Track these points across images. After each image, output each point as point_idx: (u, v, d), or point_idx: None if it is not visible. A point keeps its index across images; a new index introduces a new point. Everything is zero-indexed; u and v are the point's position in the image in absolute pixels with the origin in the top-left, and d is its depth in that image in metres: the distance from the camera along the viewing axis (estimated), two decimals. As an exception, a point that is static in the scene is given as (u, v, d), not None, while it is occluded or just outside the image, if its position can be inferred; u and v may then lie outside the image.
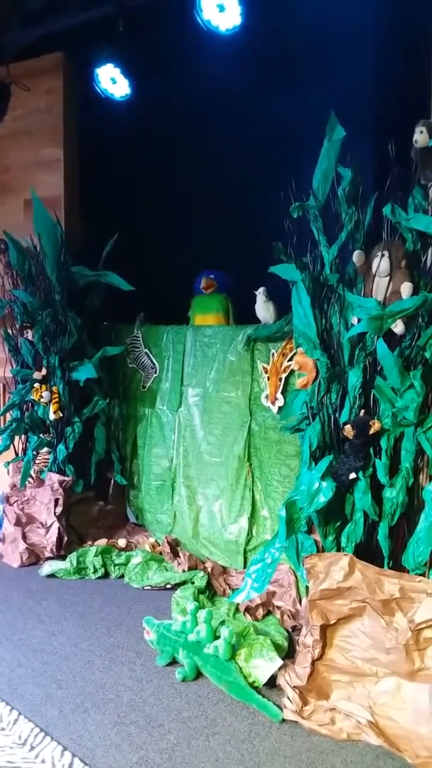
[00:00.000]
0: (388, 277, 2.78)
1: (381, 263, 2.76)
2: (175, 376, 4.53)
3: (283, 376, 3.78)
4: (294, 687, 2.76)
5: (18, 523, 4.47)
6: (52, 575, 4.10)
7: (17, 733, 2.56)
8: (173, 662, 3.08)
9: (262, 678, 2.85)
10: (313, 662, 2.78)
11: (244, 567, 3.98)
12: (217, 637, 3.03)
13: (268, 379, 3.88)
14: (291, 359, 3.72)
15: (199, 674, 2.97)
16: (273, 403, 3.85)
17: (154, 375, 4.66)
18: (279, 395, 3.80)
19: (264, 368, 3.93)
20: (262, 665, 2.89)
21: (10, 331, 4.80)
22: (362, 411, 2.87)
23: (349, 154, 2.92)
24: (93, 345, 4.61)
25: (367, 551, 2.86)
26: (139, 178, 5.07)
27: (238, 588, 3.49)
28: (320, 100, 3.13)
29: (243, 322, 4.26)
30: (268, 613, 3.51)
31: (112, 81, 4.27)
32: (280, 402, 3.80)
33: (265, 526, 3.97)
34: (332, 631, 2.81)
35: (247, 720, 2.68)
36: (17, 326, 4.75)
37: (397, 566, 2.80)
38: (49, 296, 4.50)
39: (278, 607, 3.52)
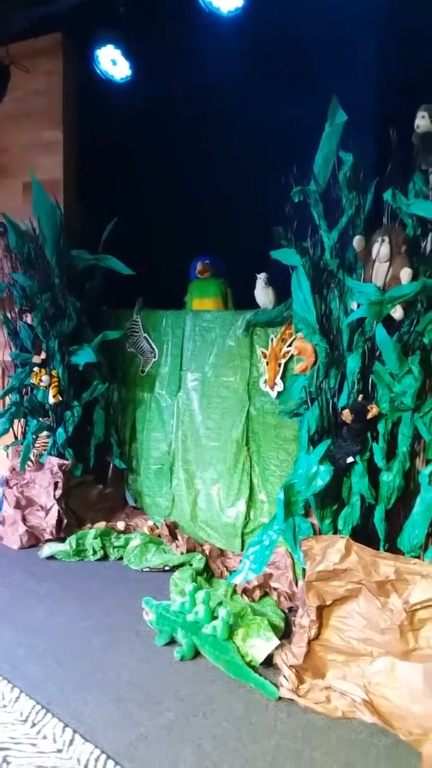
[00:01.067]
0: (387, 263, 2.79)
1: (381, 248, 2.77)
2: (174, 360, 4.55)
3: (282, 361, 3.80)
4: (290, 666, 2.81)
5: (18, 505, 4.51)
6: (51, 557, 4.14)
7: (19, 710, 2.61)
8: (172, 642, 3.12)
9: (259, 657, 2.90)
10: (309, 642, 2.83)
11: (242, 550, 4.03)
12: (215, 618, 3.08)
13: (267, 364, 3.90)
14: (290, 344, 3.74)
15: (197, 653, 3.02)
16: (272, 388, 3.87)
17: (153, 360, 4.68)
18: (278, 380, 3.83)
19: (263, 353, 3.94)
20: (259, 645, 2.94)
21: (9, 314, 4.81)
22: (360, 396, 2.90)
23: (350, 139, 2.91)
24: (92, 329, 4.62)
25: (363, 534, 2.90)
26: (139, 162, 5.04)
27: (236, 570, 3.55)
28: (322, 84, 3.12)
29: (241, 307, 4.28)
30: (265, 594, 3.56)
31: (113, 62, 4.24)
32: (279, 387, 3.82)
33: (263, 509, 4.02)
34: (328, 611, 2.85)
35: (244, 698, 2.73)
36: (16, 310, 4.76)
37: (393, 549, 2.84)
38: (49, 280, 4.49)
39: (275, 589, 3.57)
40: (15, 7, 4.36)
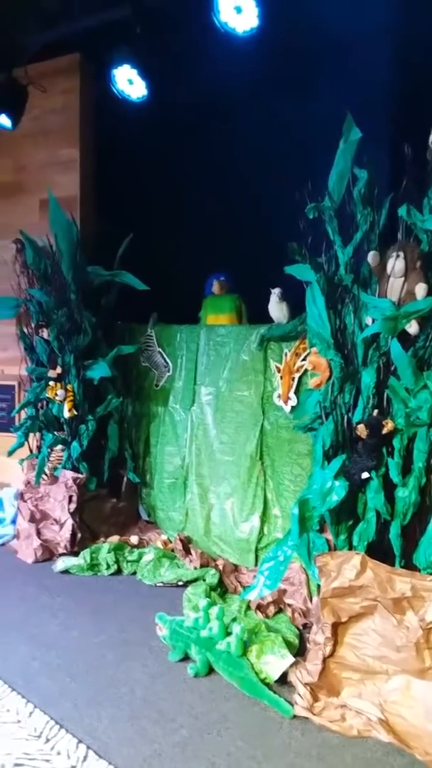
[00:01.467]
0: (402, 278, 2.79)
1: (396, 264, 2.78)
2: (188, 374, 4.56)
3: (296, 375, 3.81)
4: (305, 684, 2.79)
5: (32, 519, 4.52)
6: (65, 571, 4.14)
7: (33, 726, 2.60)
8: (185, 658, 3.11)
9: (274, 674, 2.88)
10: (324, 659, 2.81)
11: (256, 565, 4.01)
12: (228, 634, 3.06)
13: (281, 378, 3.90)
14: (304, 359, 3.75)
15: (211, 670, 3.01)
16: (286, 402, 3.87)
17: (168, 374, 4.70)
18: (292, 394, 3.83)
19: (277, 367, 3.95)
20: (273, 662, 2.92)
21: (25, 329, 4.85)
22: (375, 411, 2.89)
23: (365, 156, 2.93)
24: (107, 344, 4.66)
25: (378, 550, 2.88)
26: (153, 178, 5.10)
27: (250, 585, 3.53)
28: (336, 102, 3.14)
29: (253, 321, 4.28)
30: (279, 610, 3.54)
31: (129, 82, 4.29)
32: (293, 401, 3.82)
33: (277, 524, 4.00)
34: (343, 629, 2.83)
35: (259, 715, 2.71)
36: (33, 325, 4.80)
37: (409, 565, 2.82)
38: (65, 295, 4.54)
39: (289, 605, 3.55)
40: (33, 29, 4.45)
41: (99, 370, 4.47)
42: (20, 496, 4.70)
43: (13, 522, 4.79)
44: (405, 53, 3.74)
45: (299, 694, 2.77)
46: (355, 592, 2.75)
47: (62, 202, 4.58)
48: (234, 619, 3.27)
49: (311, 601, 3.47)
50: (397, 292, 2.81)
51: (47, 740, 2.51)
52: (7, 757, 2.39)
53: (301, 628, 3.37)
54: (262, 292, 3.97)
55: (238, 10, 3.52)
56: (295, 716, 2.69)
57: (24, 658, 3.13)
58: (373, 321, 2.88)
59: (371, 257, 2.87)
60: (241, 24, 3.56)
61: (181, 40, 4.16)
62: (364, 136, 2.95)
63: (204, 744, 2.52)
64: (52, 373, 4.57)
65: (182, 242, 4.92)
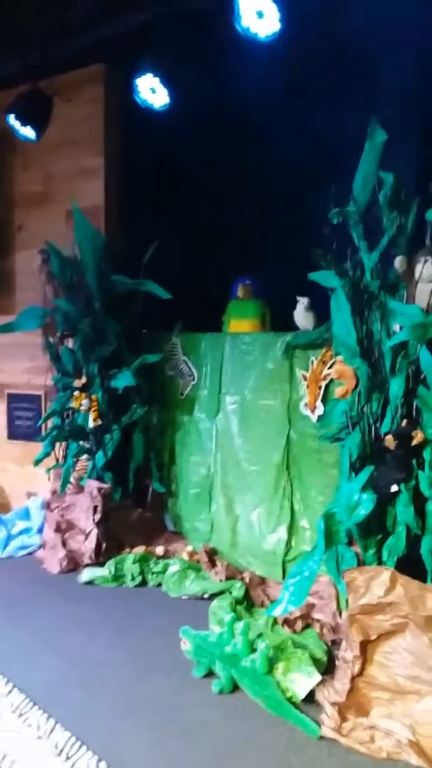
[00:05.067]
0: (431, 283, 2.70)
1: (425, 269, 2.70)
2: (213, 383, 4.51)
3: (323, 383, 3.73)
4: (333, 703, 2.70)
5: (58, 529, 4.51)
6: (90, 582, 4.12)
7: (54, 742, 2.56)
8: (210, 673, 3.04)
9: (300, 693, 2.79)
10: (352, 678, 2.71)
11: (283, 578, 3.92)
12: (254, 650, 2.99)
13: (308, 386, 3.83)
14: (331, 367, 3.67)
15: (236, 687, 2.93)
16: (313, 411, 3.79)
17: (192, 382, 4.65)
18: (318, 403, 3.75)
19: (303, 376, 3.87)
20: (300, 680, 2.84)
21: (51, 339, 4.87)
22: (404, 421, 2.80)
23: (390, 158, 2.86)
24: (132, 353, 4.63)
25: (408, 565, 2.78)
26: (178, 186, 5.08)
27: (276, 599, 3.45)
28: (361, 103, 3.08)
29: (277, 328, 4.21)
30: (308, 625, 3.44)
31: (152, 91, 4.28)
32: (320, 410, 3.74)
33: (305, 536, 3.91)
34: (373, 647, 2.73)
35: (284, 735, 2.63)
36: (58, 335, 4.81)
37: (441, 581, 2.71)
38: (90, 305, 4.54)
39: (318, 620, 3.45)
40: (58, 40, 4.47)
41: (123, 380, 4.45)
42: (47, 505, 4.70)
43: (40, 531, 4.79)
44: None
45: (326, 714, 2.68)
46: (385, 609, 2.66)
47: (87, 211, 4.58)
48: (259, 635, 3.20)
49: (341, 616, 3.37)
50: (426, 298, 2.73)
51: (68, 757, 2.47)
52: (27, 775, 2.36)
53: (330, 644, 3.27)
54: (285, 298, 3.91)
55: (260, 14, 3.47)
56: (322, 737, 2.60)
57: (47, 670, 3.10)
58: (401, 328, 2.79)
59: (399, 262, 2.80)
60: (263, 29, 3.51)
61: (204, 48, 4.13)
62: (389, 139, 2.88)
63: (228, 763, 2.45)
64: (77, 383, 4.57)
65: (207, 250, 4.88)
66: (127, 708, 2.80)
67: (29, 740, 2.58)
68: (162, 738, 2.60)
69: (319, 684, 2.81)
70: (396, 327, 2.86)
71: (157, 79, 4.20)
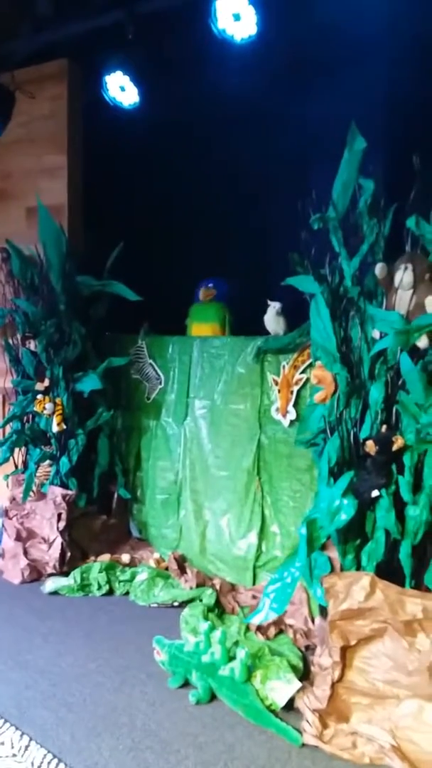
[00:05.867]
0: (411, 291, 2.73)
1: (405, 276, 2.72)
2: (181, 387, 4.45)
3: (295, 388, 3.73)
4: (313, 710, 2.68)
5: (18, 537, 4.36)
6: (54, 592, 3.99)
7: (29, 760, 2.46)
8: (186, 684, 2.98)
9: (280, 701, 2.77)
10: (332, 684, 2.70)
11: (254, 584, 3.90)
12: (231, 659, 2.94)
13: (279, 391, 3.82)
14: (303, 371, 3.68)
15: (213, 697, 2.89)
16: (284, 416, 3.79)
17: (159, 386, 4.58)
18: (290, 408, 3.75)
19: (274, 380, 3.86)
20: (279, 687, 2.81)
21: (10, 341, 4.70)
22: (384, 426, 2.81)
23: (370, 165, 2.88)
24: (97, 355, 4.52)
25: (387, 570, 2.79)
26: (144, 187, 5.01)
27: (248, 606, 3.42)
28: (337, 109, 3.10)
29: (244, 332, 4.20)
30: (280, 631, 3.42)
31: (121, 89, 4.21)
32: (292, 415, 3.74)
33: (275, 541, 3.89)
34: (352, 652, 2.73)
35: (266, 744, 2.60)
36: (18, 336, 4.65)
37: (420, 586, 2.73)
38: (54, 306, 4.40)
39: (290, 626, 3.43)
40: (23, 34, 4.34)
41: (89, 383, 4.34)
42: (5, 513, 4.53)
43: (-2, 540, 4.62)
44: (404, 61, 3.69)
45: (308, 721, 2.66)
46: (365, 614, 2.66)
47: (50, 210, 4.45)
48: (236, 643, 3.16)
49: (313, 621, 3.37)
50: (406, 305, 2.75)
51: (46, 778, 2.37)
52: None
53: (303, 649, 3.26)
54: (253, 302, 3.89)
55: (237, 17, 3.46)
56: (304, 744, 2.58)
57: (17, 686, 2.98)
58: (381, 334, 2.81)
59: (379, 269, 2.81)
60: (239, 31, 3.50)
61: (176, 47, 4.10)
62: (367, 145, 2.89)
63: (211, 778, 2.41)
64: (39, 386, 4.42)
65: (174, 251, 4.83)
66: (104, 723, 2.72)
67: (3, 759, 2.46)
68: (142, 753, 2.53)
69: (298, 691, 2.79)
70: (375, 333, 2.88)
71: (127, 77, 4.12)
